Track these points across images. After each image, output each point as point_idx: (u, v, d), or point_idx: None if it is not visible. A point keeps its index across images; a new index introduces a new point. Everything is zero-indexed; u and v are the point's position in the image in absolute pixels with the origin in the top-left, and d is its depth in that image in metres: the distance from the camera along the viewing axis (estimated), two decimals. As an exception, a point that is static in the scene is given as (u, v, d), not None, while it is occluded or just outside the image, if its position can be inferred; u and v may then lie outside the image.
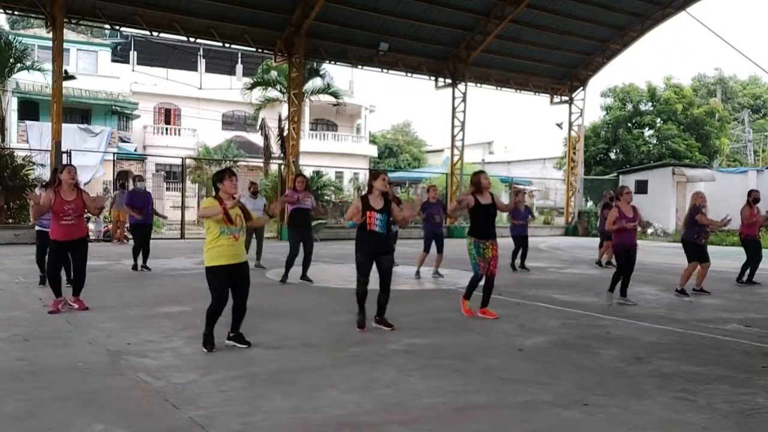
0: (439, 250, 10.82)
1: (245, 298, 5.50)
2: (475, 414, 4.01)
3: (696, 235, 9.36)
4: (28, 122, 26.94)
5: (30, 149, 21.39)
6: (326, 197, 22.64)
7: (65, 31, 17.49)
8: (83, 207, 7.08)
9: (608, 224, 8.33)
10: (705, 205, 9.48)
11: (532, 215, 12.57)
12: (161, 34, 19.56)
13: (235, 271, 5.38)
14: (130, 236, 16.98)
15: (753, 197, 10.55)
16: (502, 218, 17.40)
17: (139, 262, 10.91)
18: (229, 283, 5.36)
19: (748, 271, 10.64)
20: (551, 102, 26.85)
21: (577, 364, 5.23)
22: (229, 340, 5.54)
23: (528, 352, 5.61)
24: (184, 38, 19.55)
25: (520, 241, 12.24)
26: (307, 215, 9.68)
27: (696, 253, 9.36)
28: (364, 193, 6.52)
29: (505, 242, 12.13)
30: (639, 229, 8.67)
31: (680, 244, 9.87)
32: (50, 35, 16.73)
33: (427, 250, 10.86)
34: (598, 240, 14.21)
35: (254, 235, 11.24)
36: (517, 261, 12.28)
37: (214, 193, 5.48)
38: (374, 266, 6.22)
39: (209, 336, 5.38)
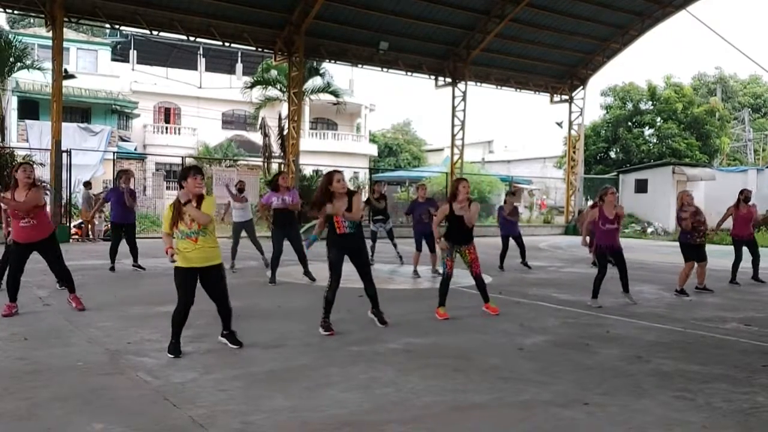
0: (431, 249, 10.75)
1: (222, 300, 5.44)
2: (475, 413, 4.00)
3: (689, 235, 9.21)
4: (28, 121, 26.95)
5: (30, 148, 21.37)
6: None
7: (65, 30, 17.49)
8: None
9: (584, 223, 8.14)
10: (690, 202, 9.20)
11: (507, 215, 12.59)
12: (161, 33, 19.54)
13: (203, 274, 5.26)
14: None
15: (744, 195, 10.53)
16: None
17: (129, 262, 10.61)
18: (192, 287, 5.21)
19: (752, 270, 10.64)
20: (551, 101, 26.83)
21: (576, 363, 5.22)
22: (222, 338, 5.55)
23: (528, 351, 5.61)
24: (184, 37, 19.56)
25: (507, 240, 12.31)
26: (290, 213, 9.45)
27: (691, 253, 9.24)
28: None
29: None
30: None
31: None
32: (50, 34, 16.73)
33: (419, 249, 10.87)
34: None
35: (244, 234, 11.08)
36: (516, 261, 12.26)
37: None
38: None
39: (176, 343, 5.18)
